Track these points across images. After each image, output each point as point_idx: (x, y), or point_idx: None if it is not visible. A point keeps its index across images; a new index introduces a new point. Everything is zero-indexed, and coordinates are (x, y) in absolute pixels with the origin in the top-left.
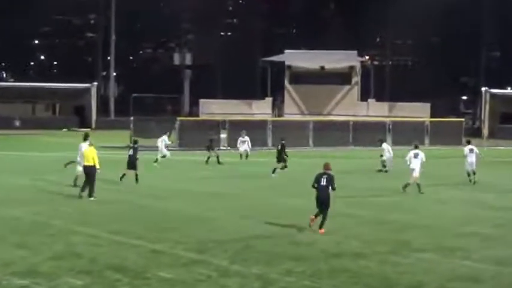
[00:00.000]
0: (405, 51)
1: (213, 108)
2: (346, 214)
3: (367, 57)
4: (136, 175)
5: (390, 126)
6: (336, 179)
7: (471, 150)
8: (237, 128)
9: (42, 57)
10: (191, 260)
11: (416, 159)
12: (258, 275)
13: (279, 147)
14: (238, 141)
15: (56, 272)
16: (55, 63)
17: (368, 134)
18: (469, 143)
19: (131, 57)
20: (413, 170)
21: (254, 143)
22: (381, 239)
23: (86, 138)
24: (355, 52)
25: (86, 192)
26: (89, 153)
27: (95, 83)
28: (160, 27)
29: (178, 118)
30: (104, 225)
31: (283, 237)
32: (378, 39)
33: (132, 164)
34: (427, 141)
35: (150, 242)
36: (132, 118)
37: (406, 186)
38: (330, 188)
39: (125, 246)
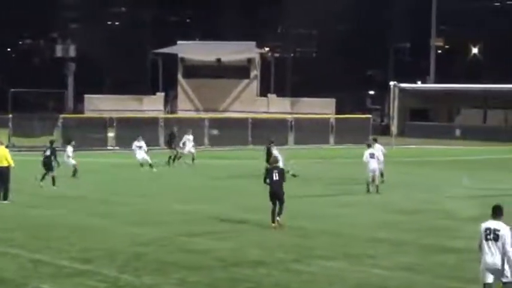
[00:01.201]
0: (309, 43)
1: (100, 105)
2: (245, 220)
3: (267, 49)
4: (53, 178)
5: (292, 124)
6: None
7: (372, 155)
8: (126, 126)
9: None
10: (76, 270)
11: (373, 159)
12: (149, 286)
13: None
14: (183, 140)
15: None
16: None
17: (268, 132)
18: (369, 146)
19: (9, 49)
20: (373, 170)
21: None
22: (284, 246)
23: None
24: (254, 43)
25: None
26: (1, 153)
27: None
28: (42, 15)
29: (61, 115)
30: None
31: (176, 244)
32: (278, 30)
33: (48, 165)
34: (332, 139)
35: (29, 251)
36: (10, 115)
37: (368, 186)
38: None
39: (3, 256)
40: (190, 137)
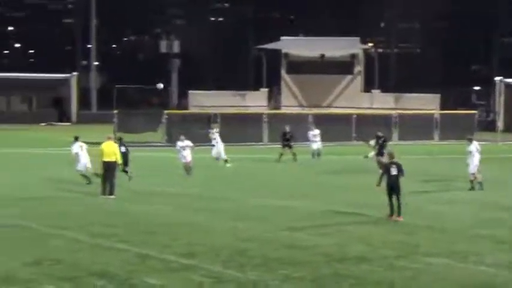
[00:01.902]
0: (412, 38)
1: (204, 101)
2: (348, 215)
3: (370, 44)
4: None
5: (396, 120)
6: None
7: (472, 152)
8: (229, 122)
9: (17, 45)
10: (181, 265)
11: (474, 156)
12: (254, 282)
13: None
14: (309, 135)
15: (35, 278)
16: (31, 51)
17: (372, 127)
18: (471, 141)
19: (114, 45)
20: (475, 167)
21: (248, 138)
22: (387, 242)
23: (76, 138)
24: (358, 39)
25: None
26: (109, 148)
27: (75, 73)
28: (146, 12)
29: (166, 111)
30: (85, 228)
31: (281, 240)
32: (382, 24)
33: (125, 161)
34: (436, 135)
35: (135, 246)
36: (115, 111)
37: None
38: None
39: (108, 250)
40: (316, 132)
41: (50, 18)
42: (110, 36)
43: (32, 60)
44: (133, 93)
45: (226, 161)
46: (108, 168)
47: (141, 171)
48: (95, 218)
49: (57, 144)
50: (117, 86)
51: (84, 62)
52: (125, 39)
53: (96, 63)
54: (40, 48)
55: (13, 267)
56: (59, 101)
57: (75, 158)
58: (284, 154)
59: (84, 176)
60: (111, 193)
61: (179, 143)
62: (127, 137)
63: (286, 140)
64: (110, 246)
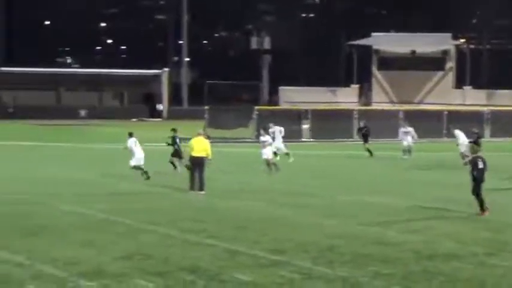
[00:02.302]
0: (505, 34)
1: (294, 97)
2: (437, 212)
3: (462, 40)
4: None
5: (488, 116)
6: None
7: None
8: (320, 118)
9: (109, 41)
10: (271, 261)
11: None
12: (344, 278)
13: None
14: (400, 132)
15: (126, 272)
16: (123, 47)
17: (464, 124)
18: None
19: (205, 41)
20: None
21: (338, 134)
22: (477, 239)
23: (131, 134)
24: (449, 35)
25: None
26: (199, 144)
27: (166, 69)
28: (237, 8)
29: (256, 107)
30: (175, 223)
31: (369, 237)
32: (474, 20)
33: (178, 155)
34: None
35: (225, 241)
36: (206, 107)
37: None
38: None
39: (198, 246)
40: (408, 129)
41: (142, 15)
42: (201, 32)
43: (123, 56)
44: (224, 89)
45: (287, 154)
46: (197, 164)
47: (231, 167)
48: (185, 213)
49: (145, 140)
50: (208, 81)
51: (176, 58)
52: (216, 35)
53: (187, 59)
54: (132, 44)
55: (104, 261)
56: (150, 96)
57: (130, 153)
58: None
59: (140, 169)
60: (201, 189)
61: (261, 138)
62: (218, 133)
63: (363, 136)
64: (200, 241)
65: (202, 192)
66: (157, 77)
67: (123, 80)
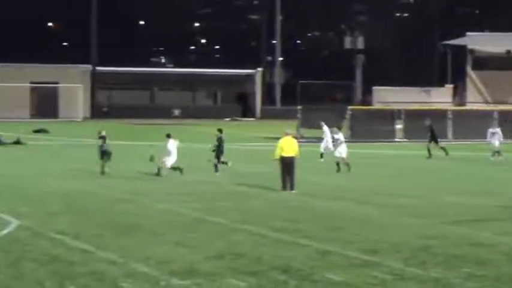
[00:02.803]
0: None
1: (387, 97)
2: None
3: None
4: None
5: None
6: None
7: None
8: (414, 118)
9: (203, 41)
10: (363, 261)
11: None
12: (436, 279)
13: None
14: (488, 132)
15: (218, 272)
16: (217, 47)
17: None
18: None
19: (298, 41)
20: None
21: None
22: None
23: (169, 136)
24: None
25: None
26: (288, 143)
27: (260, 69)
28: (330, 7)
29: (349, 107)
30: (267, 222)
31: (462, 238)
32: None
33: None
34: None
35: (317, 241)
36: (299, 107)
37: None
38: None
39: (290, 245)
40: (496, 130)
41: (235, 14)
42: (294, 31)
43: (217, 56)
44: (317, 89)
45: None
46: (287, 164)
47: (325, 166)
48: (277, 213)
49: (240, 140)
50: (300, 81)
51: (269, 58)
52: (309, 34)
53: (281, 58)
54: (225, 44)
55: (196, 260)
56: (244, 96)
57: (167, 154)
58: (430, 149)
59: (178, 168)
60: (291, 188)
61: (335, 136)
62: (311, 133)
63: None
64: (292, 241)
65: (294, 192)
66: (250, 77)
67: (216, 79)
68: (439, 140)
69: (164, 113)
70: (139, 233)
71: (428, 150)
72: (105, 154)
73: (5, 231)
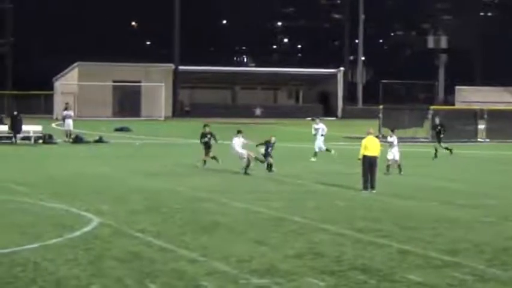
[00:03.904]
0: None
1: (470, 96)
2: None
3: None
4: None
5: None
6: None
7: None
8: (497, 118)
9: (286, 40)
10: (443, 262)
11: None
12: None
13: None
14: None
15: (297, 271)
16: (299, 46)
17: None
18: None
19: (381, 40)
20: None
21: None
22: None
23: (239, 132)
24: None
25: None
26: (371, 143)
27: (342, 68)
28: (413, 7)
29: (431, 107)
30: (347, 222)
31: None
32: None
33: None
34: None
35: (397, 241)
36: (381, 107)
37: None
38: None
39: (371, 245)
40: None
41: (318, 14)
42: (377, 31)
43: (299, 55)
44: (399, 89)
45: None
46: (370, 163)
47: (406, 166)
48: (357, 212)
49: (313, 139)
50: (382, 81)
51: (351, 57)
52: (392, 34)
53: (363, 58)
54: (308, 43)
55: (276, 259)
56: (325, 95)
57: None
58: (437, 149)
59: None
60: (372, 187)
61: (389, 138)
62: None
63: (436, 134)
64: (373, 241)
65: (374, 191)
66: (332, 76)
67: (298, 78)
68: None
69: (246, 112)
70: (219, 232)
71: (436, 149)
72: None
73: (87, 229)
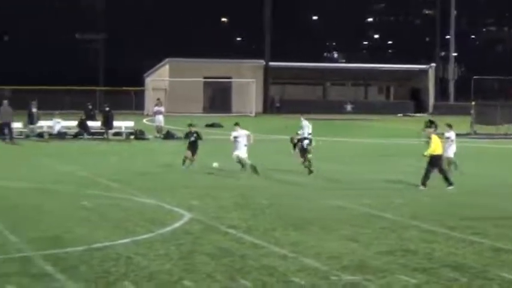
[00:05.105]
0: None
1: None
2: None
3: None
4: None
5: None
6: None
7: None
8: None
9: (376, 36)
10: None
11: None
12: None
13: None
14: None
15: (388, 268)
16: (389, 42)
17: None
18: None
19: (473, 36)
20: None
21: None
22: None
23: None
24: None
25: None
26: (437, 141)
27: (433, 64)
28: (505, 2)
29: None
30: (438, 219)
31: None
32: None
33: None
34: None
35: (490, 239)
36: (473, 103)
37: None
38: None
39: (463, 242)
40: None
41: (409, 9)
42: (468, 26)
43: (390, 51)
44: (491, 85)
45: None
46: (436, 161)
47: (493, 163)
48: (445, 209)
49: (408, 135)
50: (475, 77)
51: (442, 53)
52: (484, 29)
53: (455, 54)
54: (398, 39)
55: (367, 256)
56: (416, 91)
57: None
58: None
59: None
60: (450, 184)
61: (445, 134)
62: (484, 129)
63: None
64: (464, 238)
65: (451, 188)
66: (424, 72)
67: (389, 75)
68: None
69: (336, 108)
70: (310, 228)
71: None
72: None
73: (178, 224)
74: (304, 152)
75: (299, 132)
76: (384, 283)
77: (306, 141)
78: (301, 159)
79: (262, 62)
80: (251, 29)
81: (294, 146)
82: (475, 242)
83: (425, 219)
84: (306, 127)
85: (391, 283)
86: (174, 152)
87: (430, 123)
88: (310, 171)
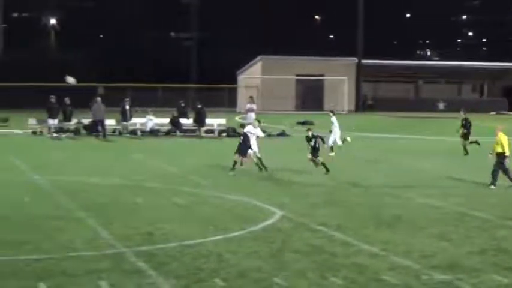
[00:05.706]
0: None
1: None
2: None
3: None
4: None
5: None
6: None
7: None
8: None
9: (470, 33)
10: None
11: None
12: None
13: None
14: None
15: (480, 267)
16: (484, 40)
17: None
18: None
19: None
20: None
21: None
22: None
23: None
24: None
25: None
26: (502, 139)
27: None
28: None
29: None
30: None
31: None
32: None
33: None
34: None
35: None
36: None
37: None
38: None
39: None
40: None
41: (503, 7)
42: None
43: (484, 48)
44: None
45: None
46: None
47: None
48: None
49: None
50: None
51: None
52: None
53: None
54: (493, 36)
55: (458, 255)
56: (510, 90)
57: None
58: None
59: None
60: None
61: None
62: None
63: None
64: None
65: (493, 187)
66: None
67: (483, 72)
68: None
69: (429, 106)
70: (400, 227)
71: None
72: None
73: (269, 222)
74: (316, 150)
75: (330, 129)
76: (476, 282)
77: (319, 140)
78: (310, 156)
79: (355, 59)
80: (344, 27)
81: (309, 142)
82: None
83: None
84: (334, 124)
85: (483, 282)
86: (265, 150)
87: None
88: (326, 169)
